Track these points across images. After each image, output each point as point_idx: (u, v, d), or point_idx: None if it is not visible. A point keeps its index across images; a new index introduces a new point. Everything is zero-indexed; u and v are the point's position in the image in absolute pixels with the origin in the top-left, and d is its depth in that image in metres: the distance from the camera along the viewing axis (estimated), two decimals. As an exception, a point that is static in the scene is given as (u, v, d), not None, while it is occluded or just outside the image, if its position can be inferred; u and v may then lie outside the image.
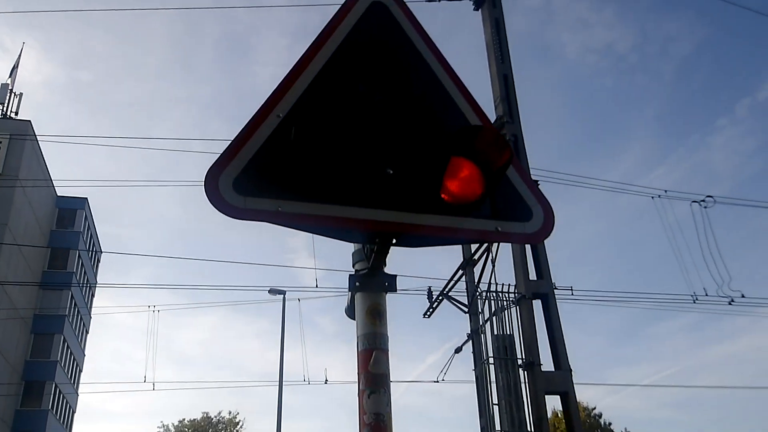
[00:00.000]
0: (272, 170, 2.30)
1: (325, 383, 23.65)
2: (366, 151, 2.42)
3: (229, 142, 2.29)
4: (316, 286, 24.66)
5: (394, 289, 2.45)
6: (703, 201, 15.53)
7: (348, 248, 2.57)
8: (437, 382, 16.98)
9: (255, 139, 2.33)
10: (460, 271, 17.31)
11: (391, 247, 2.40)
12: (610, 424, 48.13)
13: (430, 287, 17.67)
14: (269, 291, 24.99)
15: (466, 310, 16.48)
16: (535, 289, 11.96)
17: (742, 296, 15.15)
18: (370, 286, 2.45)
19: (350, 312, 2.51)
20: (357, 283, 2.46)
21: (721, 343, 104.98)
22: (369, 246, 2.47)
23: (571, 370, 11.50)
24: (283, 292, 25.13)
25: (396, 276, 2.46)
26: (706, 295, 15.16)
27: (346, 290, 2.50)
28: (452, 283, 17.61)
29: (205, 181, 2.20)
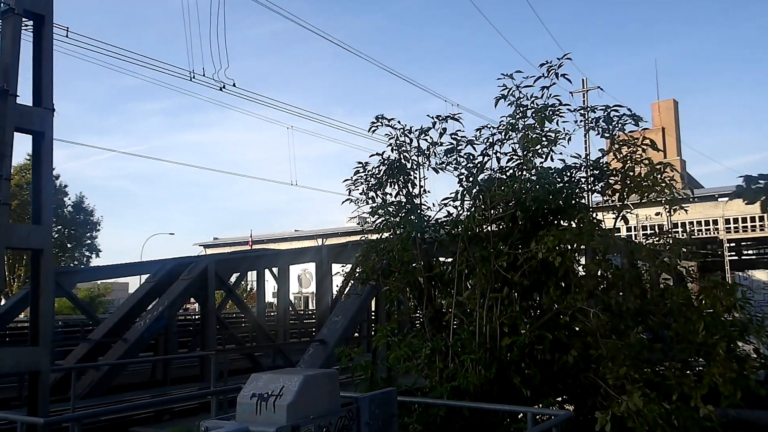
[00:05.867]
0: None
1: None
2: None
3: None
4: None
5: None
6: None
7: None
8: None
9: None
10: None
11: None
12: (66, 186, 47.04)
13: None
14: None
15: None
16: (29, 6, 9.71)
17: (234, 85, 16.02)
18: None
19: None
20: None
21: (189, 132, 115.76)
22: None
23: (53, 110, 10.01)
24: None
25: None
26: (204, 75, 15.40)
27: None
28: None
29: None
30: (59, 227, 44.22)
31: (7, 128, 9.46)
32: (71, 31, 12.85)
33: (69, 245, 47.38)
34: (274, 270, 21.29)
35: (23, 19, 9.70)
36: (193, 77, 15.26)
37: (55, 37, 10.42)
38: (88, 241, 49.26)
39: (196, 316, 24.07)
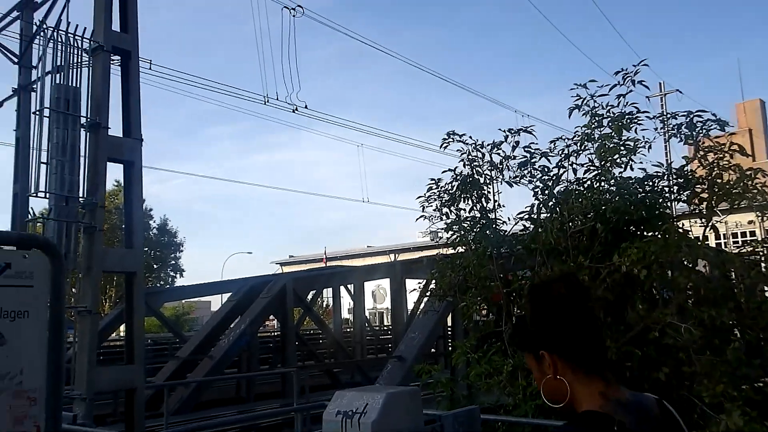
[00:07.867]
0: None
1: None
2: None
3: None
4: None
5: None
6: (294, 9, 15.84)
7: None
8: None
9: None
10: (15, 12, 13.97)
11: None
12: (150, 210, 49.61)
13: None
14: None
15: (17, 60, 13.50)
16: (116, 43, 10.36)
17: (306, 107, 16.45)
18: None
19: None
20: None
21: (262, 154, 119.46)
22: None
23: (142, 140, 10.60)
24: None
25: None
26: (277, 99, 15.89)
27: None
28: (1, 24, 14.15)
29: None
30: (146, 249, 46.50)
31: (100, 159, 10.08)
32: (154, 63, 13.56)
33: (155, 266, 49.68)
34: (349, 286, 21.54)
35: (111, 56, 10.35)
36: (267, 101, 15.78)
37: (140, 69, 11.04)
38: (173, 262, 51.51)
39: (275, 333, 24.63)
